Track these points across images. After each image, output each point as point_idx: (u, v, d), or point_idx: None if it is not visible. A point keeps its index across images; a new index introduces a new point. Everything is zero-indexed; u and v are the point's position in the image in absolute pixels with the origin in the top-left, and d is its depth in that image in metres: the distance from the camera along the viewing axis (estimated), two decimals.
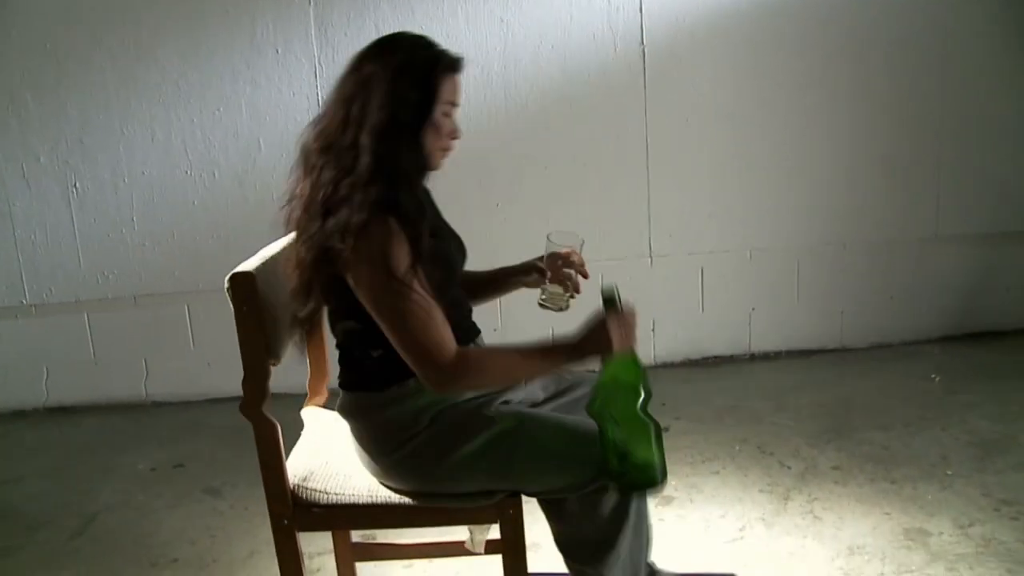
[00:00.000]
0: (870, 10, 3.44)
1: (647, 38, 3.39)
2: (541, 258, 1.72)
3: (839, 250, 3.65)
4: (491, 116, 3.40)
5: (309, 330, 1.60)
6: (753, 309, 3.66)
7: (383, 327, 1.42)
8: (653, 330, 3.56)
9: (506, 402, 1.59)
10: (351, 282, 1.42)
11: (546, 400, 1.71)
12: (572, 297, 1.69)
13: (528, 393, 1.68)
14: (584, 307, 1.51)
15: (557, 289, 1.68)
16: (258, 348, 1.49)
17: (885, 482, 2.49)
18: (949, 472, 2.52)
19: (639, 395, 1.42)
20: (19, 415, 3.50)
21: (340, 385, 1.60)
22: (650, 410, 1.43)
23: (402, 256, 1.38)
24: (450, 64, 1.49)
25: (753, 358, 3.69)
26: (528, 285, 1.77)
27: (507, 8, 3.34)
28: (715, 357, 3.68)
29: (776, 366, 3.61)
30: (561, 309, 1.68)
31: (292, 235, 1.85)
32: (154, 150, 3.35)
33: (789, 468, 2.62)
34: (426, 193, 1.61)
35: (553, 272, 1.68)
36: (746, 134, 3.51)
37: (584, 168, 3.47)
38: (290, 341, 1.64)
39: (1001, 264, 3.73)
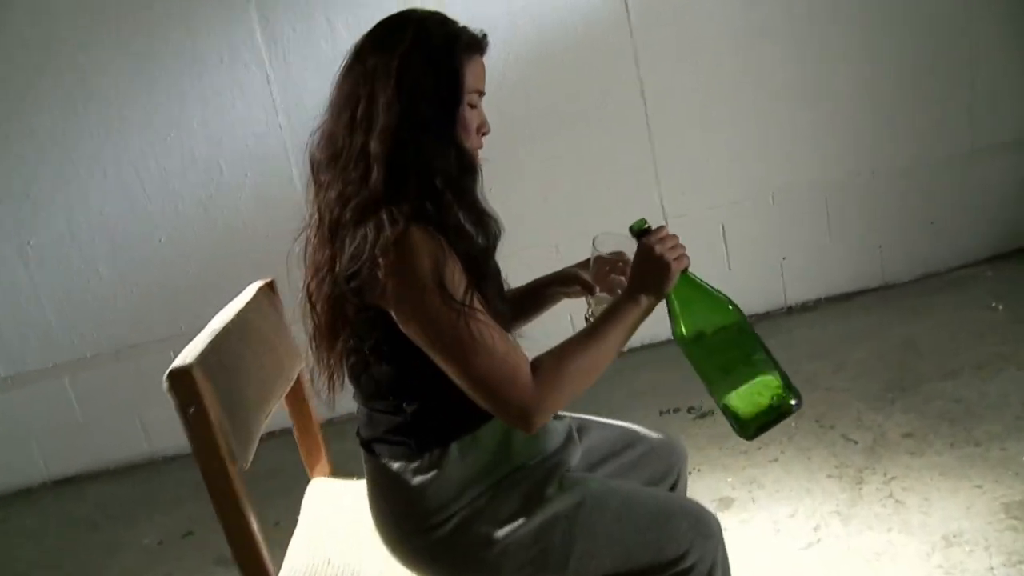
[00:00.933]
0: None
1: None
2: (583, 264, 1.44)
3: (868, 179, 3.31)
4: None
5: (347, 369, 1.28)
6: (784, 258, 3.35)
7: (443, 362, 1.14)
8: None
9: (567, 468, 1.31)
10: (393, 312, 1.14)
11: (602, 460, 1.42)
12: None
13: (587, 449, 1.41)
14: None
15: (608, 300, 1.38)
16: (217, 456, 1.22)
17: (967, 445, 2.20)
18: None
19: (726, 308, 1.23)
20: (24, 493, 3.27)
21: (362, 445, 1.32)
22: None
23: (457, 273, 1.12)
24: (472, 43, 1.20)
25: (790, 311, 3.39)
26: (570, 296, 1.48)
27: None
28: (749, 316, 3.37)
29: (816, 317, 3.31)
30: None
31: (259, 284, 1.59)
32: (108, 189, 3.05)
33: (855, 443, 2.34)
34: None
35: (600, 281, 1.38)
36: (751, 65, 3.16)
37: (578, 132, 3.14)
38: (264, 426, 1.37)
39: None
